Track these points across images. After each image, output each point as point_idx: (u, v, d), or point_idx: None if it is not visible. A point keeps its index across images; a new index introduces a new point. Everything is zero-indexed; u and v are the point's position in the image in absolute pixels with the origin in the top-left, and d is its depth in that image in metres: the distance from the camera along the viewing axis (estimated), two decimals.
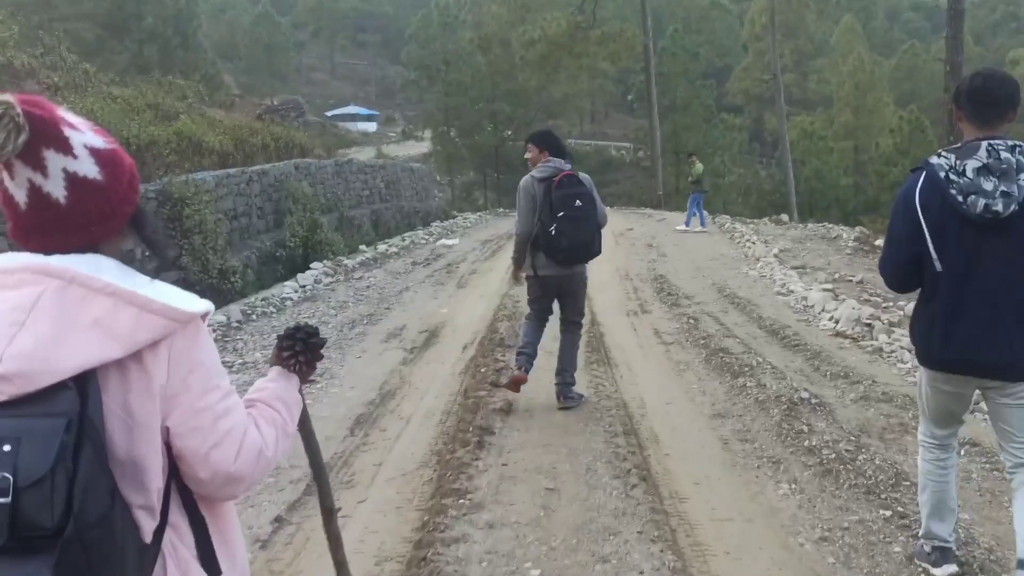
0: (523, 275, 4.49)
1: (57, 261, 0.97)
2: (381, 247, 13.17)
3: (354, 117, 52.24)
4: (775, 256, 10.87)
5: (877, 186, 33.31)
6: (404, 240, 14.50)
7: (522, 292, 8.90)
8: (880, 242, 12.51)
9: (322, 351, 1.34)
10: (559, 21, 26.87)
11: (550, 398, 4.68)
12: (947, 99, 15.18)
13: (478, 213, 24.21)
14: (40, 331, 0.93)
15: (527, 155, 4.48)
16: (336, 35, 65.73)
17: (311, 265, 10.37)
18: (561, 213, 4.15)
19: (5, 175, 0.99)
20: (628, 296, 8.30)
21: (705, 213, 15.33)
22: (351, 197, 15.74)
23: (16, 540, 0.84)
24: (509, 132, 33.23)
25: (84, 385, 0.92)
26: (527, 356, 4.48)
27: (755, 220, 18.77)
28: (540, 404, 4.57)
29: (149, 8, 28.51)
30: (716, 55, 44.50)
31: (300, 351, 1.28)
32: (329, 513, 1.52)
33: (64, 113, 1.01)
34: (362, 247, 13.20)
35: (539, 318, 4.58)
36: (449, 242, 14.11)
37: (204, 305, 1.04)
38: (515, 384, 4.48)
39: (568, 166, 4.37)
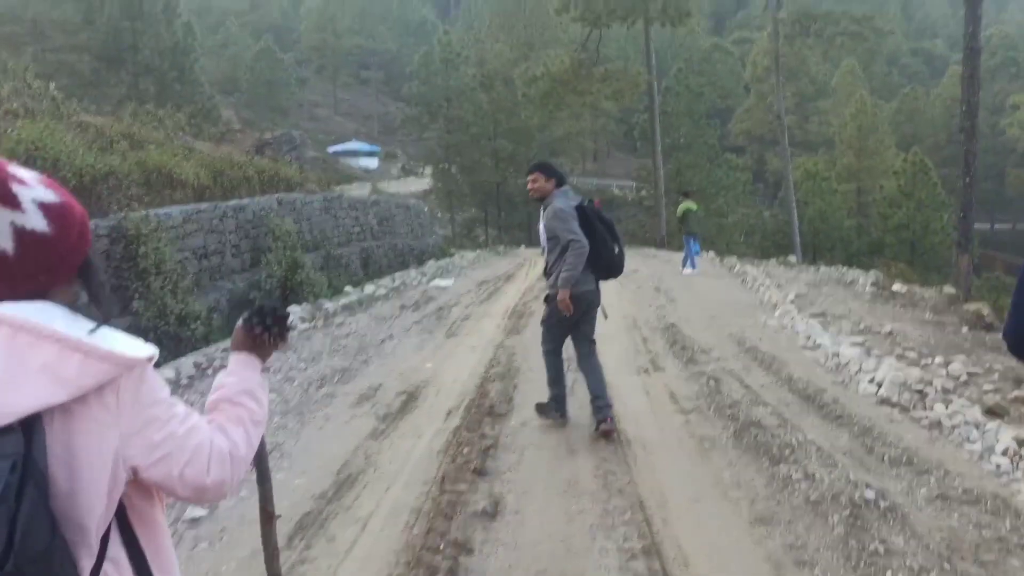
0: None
1: (5, 309, 1.00)
2: (369, 288, 12.26)
3: (356, 153, 51.90)
4: (792, 303, 10.02)
5: (881, 228, 32.80)
6: (394, 280, 13.61)
7: (519, 342, 8.18)
8: (898, 287, 11.84)
9: (288, 322, 1.36)
10: (562, 58, 26.61)
11: (546, 492, 3.74)
12: (961, 139, 14.59)
13: (476, 251, 23.35)
14: None
15: (533, 184, 4.58)
16: (339, 71, 66.02)
17: (287, 309, 9.47)
18: (615, 235, 4.60)
19: None
20: (637, 349, 7.39)
21: (696, 256, 14.51)
22: (340, 234, 14.88)
23: None
24: (511, 169, 32.77)
25: (29, 427, 0.94)
26: (563, 399, 4.75)
27: (763, 261, 18.03)
28: (535, 506, 3.60)
29: (146, 41, 28.25)
30: (718, 96, 44.50)
31: (271, 324, 1.31)
32: (269, 517, 1.49)
33: (14, 169, 1.04)
34: (348, 288, 12.31)
35: (559, 349, 4.74)
36: (443, 283, 13.23)
37: (149, 351, 1.06)
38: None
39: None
